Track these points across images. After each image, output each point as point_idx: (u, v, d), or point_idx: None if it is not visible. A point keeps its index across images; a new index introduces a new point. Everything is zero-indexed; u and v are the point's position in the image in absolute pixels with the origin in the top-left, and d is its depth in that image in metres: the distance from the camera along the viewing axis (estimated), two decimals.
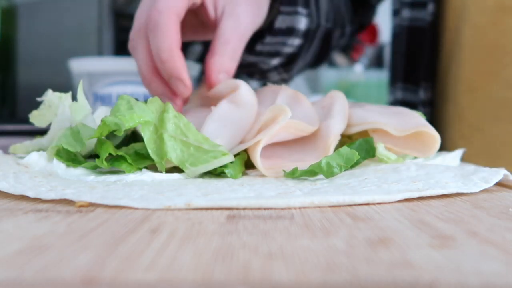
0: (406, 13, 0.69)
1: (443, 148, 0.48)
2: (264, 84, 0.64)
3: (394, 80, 0.74)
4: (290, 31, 0.58)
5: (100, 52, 0.89)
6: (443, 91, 0.69)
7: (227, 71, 0.47)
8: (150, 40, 0.45)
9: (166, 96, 0.46)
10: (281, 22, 0.56)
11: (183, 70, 0.44)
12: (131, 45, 0.48)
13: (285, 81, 0.70)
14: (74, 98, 0.41)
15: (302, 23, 0.58)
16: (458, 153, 0.46)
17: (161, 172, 0.38)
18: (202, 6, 0.49)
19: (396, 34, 0.73)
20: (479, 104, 0.63)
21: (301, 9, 0.58)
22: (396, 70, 0.73)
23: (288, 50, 0.61)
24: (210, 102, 0.48)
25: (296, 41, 0.60)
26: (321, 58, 0.72)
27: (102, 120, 0.36)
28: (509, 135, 0.62)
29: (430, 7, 0.67)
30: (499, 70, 0.61)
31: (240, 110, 0.42)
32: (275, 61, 0.63)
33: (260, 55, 0.60)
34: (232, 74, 0.48)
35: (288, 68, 0.66)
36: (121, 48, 0.92)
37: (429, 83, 0.69)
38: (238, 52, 0.48)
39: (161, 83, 0.46)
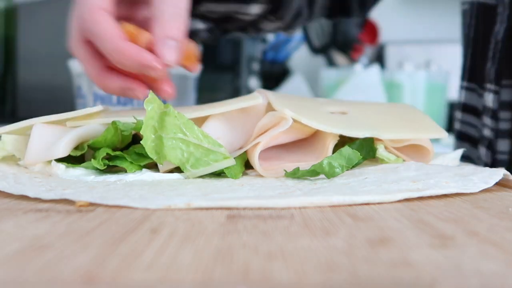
0: None
1: None
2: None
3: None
4: None
5: None
6: None
7: (175, 36, 0.40)
8: (97, 45, 0.42)
9: (127, 88, 0.43)
10: None
11: (140, 56, 0.39)
12: (74, 51, 0.45)
13: (284, 30, 0.64)
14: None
15: None
16: (458, 153, 0.46)
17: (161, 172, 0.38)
18: None
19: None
20: None
21: None
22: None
23: None
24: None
25: None
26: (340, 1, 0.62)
27: (112, 123, 0.37)
28: None
29: None
30: None
31: (246, 115, 0.42)
32: (255, 9, 0.57)
33: (229, 1, 0.55)
34: (182, 37, 0.41)
35: (279, 15, 0.59)
36: None
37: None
38: (182, 9, 0.41)
39: (116, 78, 0.43)
